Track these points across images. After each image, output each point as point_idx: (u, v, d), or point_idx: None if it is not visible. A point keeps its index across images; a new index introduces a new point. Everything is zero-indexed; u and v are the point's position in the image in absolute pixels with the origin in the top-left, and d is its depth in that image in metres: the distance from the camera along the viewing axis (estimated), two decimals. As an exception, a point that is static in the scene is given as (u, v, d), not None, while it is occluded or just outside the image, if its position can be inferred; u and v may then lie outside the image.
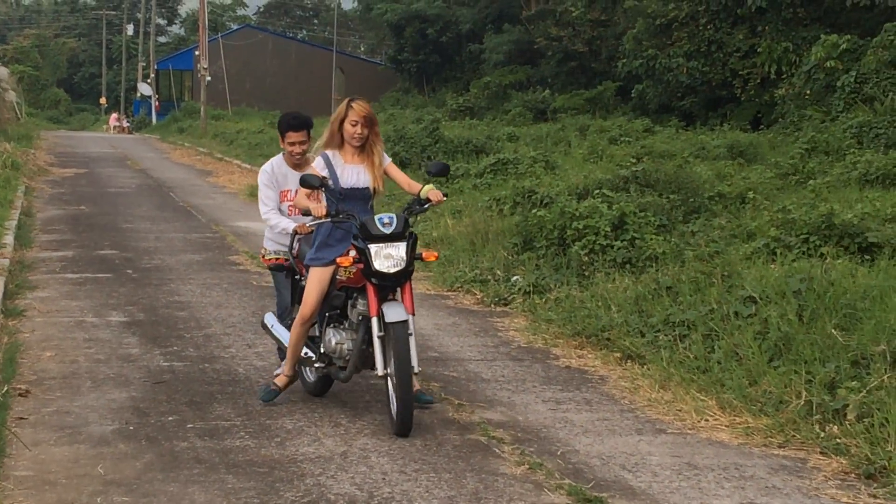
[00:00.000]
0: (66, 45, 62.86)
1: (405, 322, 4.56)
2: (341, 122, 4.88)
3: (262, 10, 59.45)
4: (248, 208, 14.87)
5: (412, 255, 4.67)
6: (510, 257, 9.08)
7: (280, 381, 5.07)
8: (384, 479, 4.23)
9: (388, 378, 4.62)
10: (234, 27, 53.65)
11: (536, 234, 8.91)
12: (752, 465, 4.50)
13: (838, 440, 4.52)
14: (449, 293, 8.89)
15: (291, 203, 5.41)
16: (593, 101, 25.80)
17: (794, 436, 4.76)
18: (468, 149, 16.80)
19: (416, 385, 4.87)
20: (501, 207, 10.97)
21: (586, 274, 7.87)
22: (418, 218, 5.09)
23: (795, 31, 20.54)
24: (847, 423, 4.60)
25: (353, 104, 4.91)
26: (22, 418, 4.87)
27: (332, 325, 5.02)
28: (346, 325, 5.00)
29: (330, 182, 4.82)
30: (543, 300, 7.80)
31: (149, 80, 49.45)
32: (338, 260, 4.67)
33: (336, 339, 4.89)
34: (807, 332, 5.44)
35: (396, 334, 4.53)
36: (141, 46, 53.61)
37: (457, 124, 22.96)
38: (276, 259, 5.61)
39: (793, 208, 8.17)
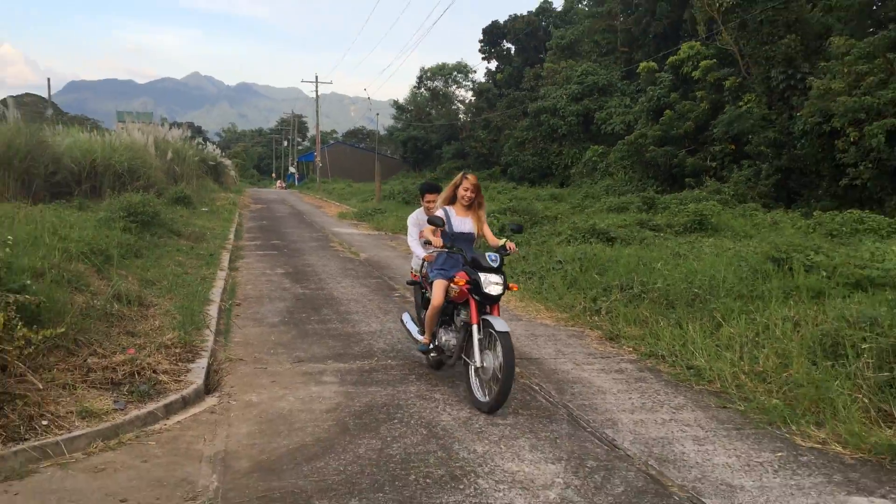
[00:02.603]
0: (255, 150, 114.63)
1: (508, 333, 5.76)
2: (456, 187, 6.59)
3: (344, 134, 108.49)
4: (339, 222, 27.69)
5: (505, 284, 6.08)
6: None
7: (425, 339, 6.85)
8: (398, 338, 9.20)
9: (478, 369, 6.02)
10: (331, 142, 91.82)
11: None
12: (560, 334, 8.99)
13: (598, 323, 9.49)
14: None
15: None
16: (491, 175, 44.24)
17: (579, 321, 9.72)
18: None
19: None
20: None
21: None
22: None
23: (580, 143, 37.88)
24: (601, 315, 9.67)
25: (467, 175, 6.66)
26: (237, 315, 9.92)
27: (442, 327, 6.65)
28: (453, 327, 6.57)
29: (446, 227, 6.43)
30: None
31: (294, 166, 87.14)
32: (455, 278, 6.15)
33: (446, 337, 6.55)
34: (583, 276, 10.81)
35: (504, 341, 5.68)
36: (291, 150, 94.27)
37: None
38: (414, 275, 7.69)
39: (578, 222, 15.00)
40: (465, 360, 6.30)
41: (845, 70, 18.97)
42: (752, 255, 10.49)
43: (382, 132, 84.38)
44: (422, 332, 7.04)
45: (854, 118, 17.68)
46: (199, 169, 34.00)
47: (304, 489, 4.51)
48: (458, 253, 6.31)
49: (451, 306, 6.55)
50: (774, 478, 4.81)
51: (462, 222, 6.60)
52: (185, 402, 6.09)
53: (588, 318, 9.58)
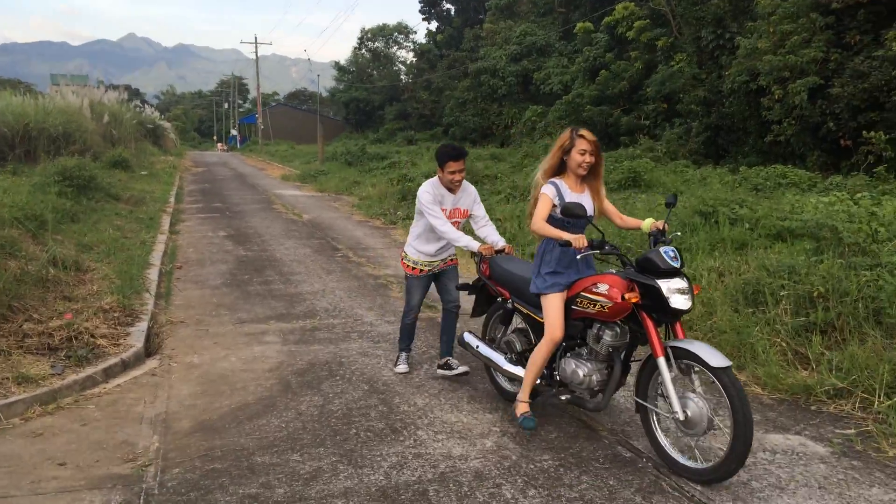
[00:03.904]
0: (195, 113, 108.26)
1: (730, 366, 3.77)
2: (565, 151, 4.34)
3: (286, 95, 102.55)
4: (282, 184, 26.85)
5: (692, 291, 4.02)
6: (396, 204, 17.05)
7: (521, 409, 4.62)
8: (340, 297, 9.18)
9: (680, 422, 3.94)
10: (273, 104, 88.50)
11: (407, 193, 17.07)
12: None
13: None
14: (370, 219, 16.01)
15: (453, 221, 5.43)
16: (433, 136, 43.80)
17: None
18: (378, 157, 29.68)
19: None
20: (392, 181, 20.10)
21: None
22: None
23: (520, 104, 36.85)
24: None
25: (582, 132, 4.33)
26: (178, 278, 9.72)
27: (571, 356, 4.50)
28: (586, 354, 4.44)
29: (558, 211, 4.27)
30: (411, 222, 13.85)
31: (235, 129, 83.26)
32: (627, 296, 3.98)
33: (583, 370, 4.38)
34: (521, 232, 10.87)
35: (730, 382, 3.72)
36: (233, 112, 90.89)
37: (373, 146, 37.27)
38: (413, 269, 5.71)
39: (517, 180, 15.44)
40: (640, 404, 4.26)
41: (771, 30, 19.26)
42: (682, 210, 10.70)
43: (324, 93, 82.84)
44: (514, 365, 4.94)
45: (779, 76, 18.04)
46: (138, 132, 32.92)
47: (245, 447, 4.49)
48: (616, 253, 4.20)
49: (582, 325, 4.45)
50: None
51: (578, 201, 4.35)
52: (125, 366, 5.97)
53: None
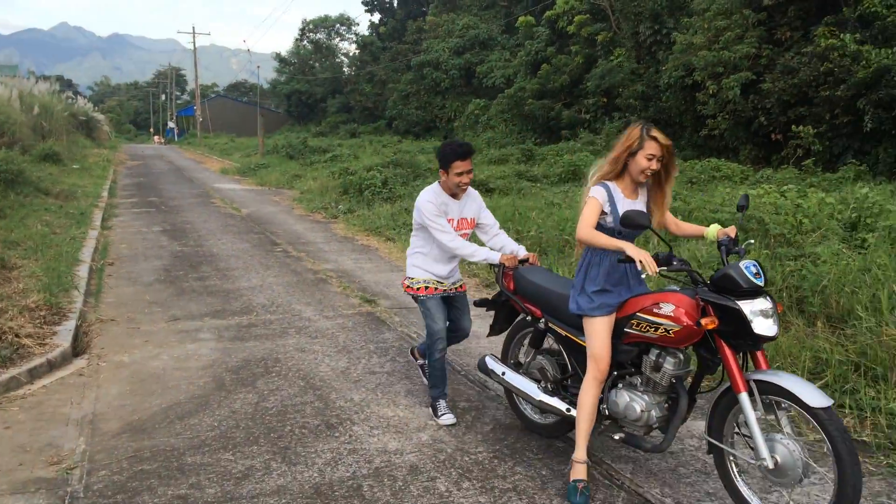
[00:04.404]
0: (131, 105, 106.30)
1: (831, 406, 3.13)
2: (632, 153, 3.60)
3: (226, 87, 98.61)
4: (220, 178, 26.32)
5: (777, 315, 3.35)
6: (338, 198, 16.96)
7: (578, 472, 3.80)
8: (278, 293, 9.07)
9: (769, 470, 3.28)
10: (212, 95, 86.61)
11: (349, 187, 17.23)
12: None
13: (475, 270, 9.74)
14: (310, 213, 15.87)
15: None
16: (376, 128, 44.09)
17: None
18: (320, 150, 29.35)
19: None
20: (334, 174, 19.79)
21: (371, 204, 14.52)
22: None
23: (463, 97, 37.75)
24: (477, 264, 9.83)
25: (654, 133, 3.59)
26: (110, 275, 9.46)
27: (624, 387, 3.83)
28: (642, 385, 3.78)
29: (609, 218, 3.66)
30: (352, 216, 14.38)
31: (173, 121, 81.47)
32: (703, 322, 3.34)
33: (639, 405, 3.71)
34: None
35: (833, 425, 3.07)
36: (170, 104, 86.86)
37: (316, 139, 37.75)
38: (427, 289, 4.77)
39: None
40: (715, 445, 3.58)
41: (706, 26, 19.75)
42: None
43: (265, 85, 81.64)
44: (549, 395, 4.27)
45: (713, 72, 18.51)
46: (70, 124, 31.89)
47: (175, 447, 4.40)
48: (687, 269, 3.49)
49: (636, 350, 3.75)
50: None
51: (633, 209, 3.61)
52: (51, 366, 5.79)
53: (467, 266, 9.71)
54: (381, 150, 28.47)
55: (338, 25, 64.20)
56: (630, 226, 3.44)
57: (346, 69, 60.46)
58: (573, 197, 12.90)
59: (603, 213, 3.68)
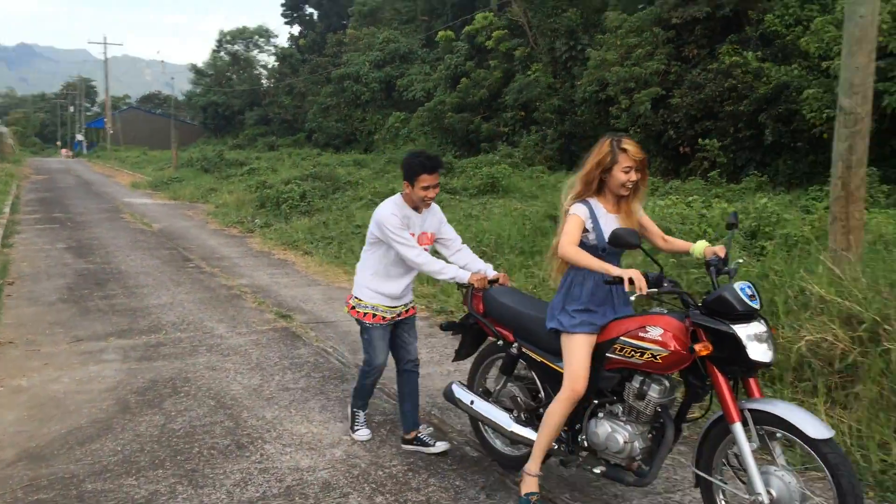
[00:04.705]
0: (38, 117, 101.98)
1: (833, 438, 2.95)
2: (605, 169, 3.45)
3: (139, 99, 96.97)
4: (132, 192, 25.67)
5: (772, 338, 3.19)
6: (254, 212, 16.81)
7: (530, 485, 3.70)
8: (190, 310, 8.79)
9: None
10: (124, 107, 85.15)
11: (266, 201, 17.03)
12: None
13: None
14: (225, 228, 15.62)
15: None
16: (296, 141, 43.28)
17: None
18: (236, 163, 29.02)
19: None
20: (251, 188, 19.54)
21: (288, 218, 14.31)
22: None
23: (383, 110, 37.59)
24: None
25: (626, 145, 3.45)
26: (9, 295, 8.99)
27: (605, 416, 3.58)
28: (624, 414, 3.53)
29: (592, 236, 3.48)
30: (269, 230, 14.18)
31: (81, 133, 79.89)
32: (697, 348, 3.14)
33: (622, 435, 3.47)
34: None
35: (837, 458, 2.90)
36: (79, 116, 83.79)
37: (232, 152, 36.63)
38: (374, 316, 4.41)
39: (378, 186, 15.47)
40: (703, 478, 3.36)
41: (618, 42, 20.37)
42: (535, 214, 11.08)
43: (181, 97, 79.53)
44: (522, 425, 3.96)
45: (625, 87, 19.09)
46: (-31, 137, 30.33)
47: (75, 474, 4.21)
48: (678, 292, 3.35)
49: (618, 377, 3.53)
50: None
51: (614, 225, 3.51)
52: (-60, 393, 5.46)
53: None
54: (300, 162, 28.14)
55: (256, 37, 63.31)
56: (619, 245, 3.29)
57: (264, 81, 59.61)
58: (490, 209, 13.05)
59: (585, 230, 3.49)
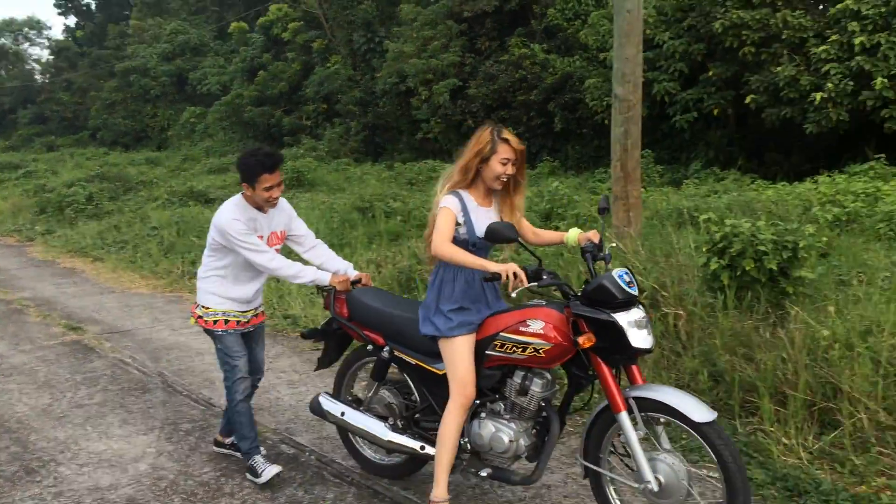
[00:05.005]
0: None
1: (716, 421, 2.96)
2: (483, 159, 3.29)
3: None
4: None
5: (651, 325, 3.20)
6: (33, 218, 15.53)
7: (439, 495, 3.39)
8: None
9: (653, 493, 3.04)
10: None
11: (46, 206, 15.82)
12: (156, 301, 8.56)
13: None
14: (1, 238, 14.31)
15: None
16: (78, 140, 39.92)
17: (177, 286, 9.32)
18: (10, 166, 25.98)
19: None
20: (28, 193, 18.09)
21: (74, 223, 13.43)
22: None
23: (176, 105, 35.77)
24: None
25: (506, 135, 3.31)
26: None
27: (487, 416, 3.44)
28: (506, 412, 3.40)
29: (463, 229, 3.32)
30: (52, 237, 13.28)
31: None
32: (581, 340, 3.08)
33: (507, 434, 3.33)
34: (181, 240, 10.56)
35: (720, 440, 2.91)
36: None
37: (5, 155, 32.79)
38: (227, 322, 4.00)
39: (175, 185, 14.65)
40: (591, 469, 3.31)
41: (414, 35, 20.78)
42: (342, 207, 11.06)
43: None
44: (399, 433, 3.70)
45: (424, 79, 19.54)
46: None
47: None
48: (558, 283, 3.20)
49: (499, 374, 3.40)
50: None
51: (486, 218, 3.37)
52: None
53: (187, 282, 9.25)
54: (85, 163, 26.13)
55: (26, 29, 57.70)
56: (497, 239, 3.17)
57: (38, 77, 54.47)
58: (297, 203, 12.84)
59: (457, 223, 3.31)
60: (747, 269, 4.88)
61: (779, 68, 12.73)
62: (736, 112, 14.79)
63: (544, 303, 3.34)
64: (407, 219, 9.57)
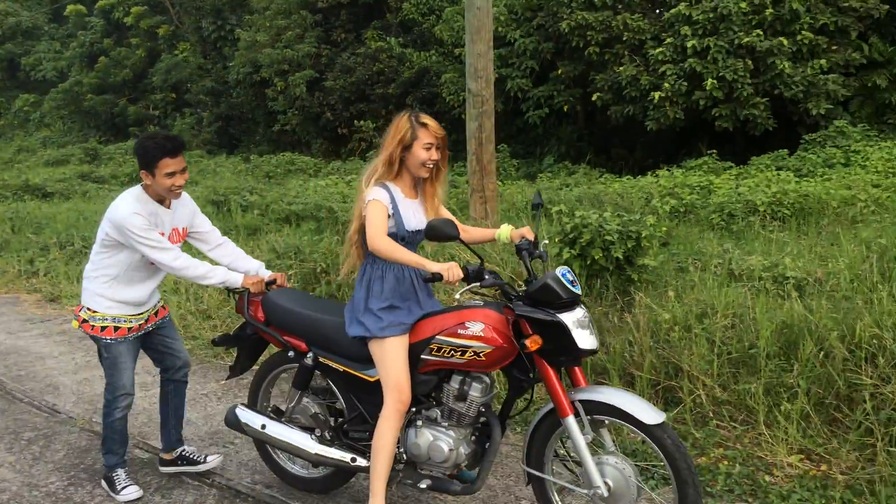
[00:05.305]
0: None
1: (665, 422, 2.88)
2: (405, 146, 3.13)
3: None
4: None
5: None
6: None
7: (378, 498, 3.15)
8: None
9: (603, 498, 2.94)
10: None
11: None
12: None
13: (36, 286, 8.51)
14: None
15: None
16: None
17: (13, 287, 8.52)
18: None
19: None
20: None
21: None
22: None
23: (8, 92, 33.37)
24: (40, 277, 8.77)
25: (425, 120, 3.15)
26: None
27: (424, 424, 3.24)
28: (443, 419, 3.21)
29: (391, 222, 3.13)
30: None
31: None
32: (528, 343, 2.94)
33: (446, 443, 3.16)
34: (17, 237, 9.84)
35: (671, 442, 2.85)
36: None
37: None
38: (116, 329, 3.64)
39: (9, 178, 14.15)
40: (534, 476, 3.16)
41: (267, 24, 20.28)
42: (197, 200, 10.65)
43: None
44: (327, 446, 3.44)
45: (279, 69, 19.11)
46: None
47: None
48: (500, 284, 3.03)
49: (435, 379, 3.20)
50: (218, 405, 5.05)
51: (412, 210, 3.22)
52: None
53: (24, 281, 8.63)
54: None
55: None
56: (437, 237, 2.93)
57: None
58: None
59: (389, 215, 3.11)
60: (596, 258, 5.19)
61: (621, 68, 13.51)
62: (584, 109, 15.56)
63: (482, 303, 3.14)
64: (265, 212, 9.38)
